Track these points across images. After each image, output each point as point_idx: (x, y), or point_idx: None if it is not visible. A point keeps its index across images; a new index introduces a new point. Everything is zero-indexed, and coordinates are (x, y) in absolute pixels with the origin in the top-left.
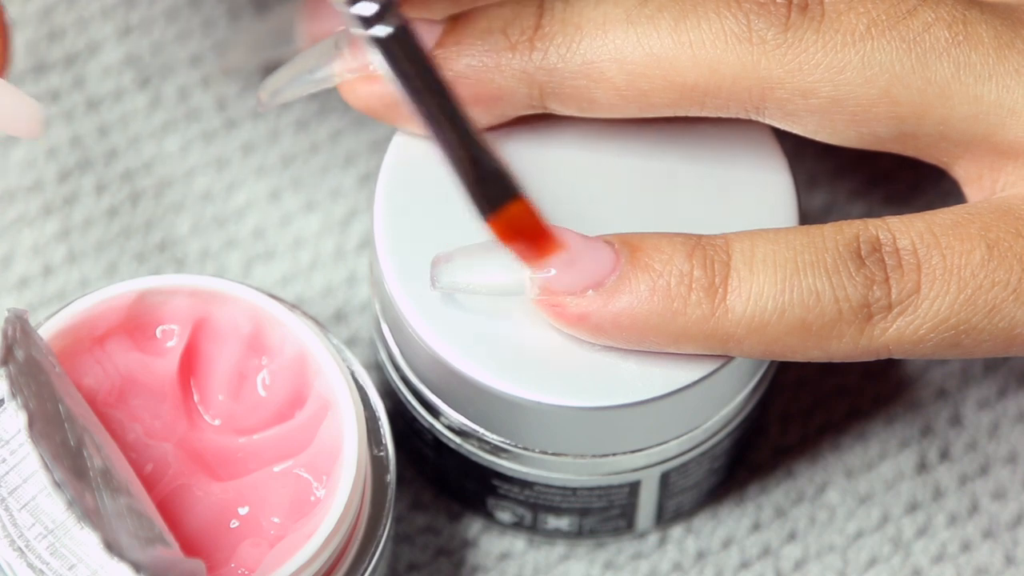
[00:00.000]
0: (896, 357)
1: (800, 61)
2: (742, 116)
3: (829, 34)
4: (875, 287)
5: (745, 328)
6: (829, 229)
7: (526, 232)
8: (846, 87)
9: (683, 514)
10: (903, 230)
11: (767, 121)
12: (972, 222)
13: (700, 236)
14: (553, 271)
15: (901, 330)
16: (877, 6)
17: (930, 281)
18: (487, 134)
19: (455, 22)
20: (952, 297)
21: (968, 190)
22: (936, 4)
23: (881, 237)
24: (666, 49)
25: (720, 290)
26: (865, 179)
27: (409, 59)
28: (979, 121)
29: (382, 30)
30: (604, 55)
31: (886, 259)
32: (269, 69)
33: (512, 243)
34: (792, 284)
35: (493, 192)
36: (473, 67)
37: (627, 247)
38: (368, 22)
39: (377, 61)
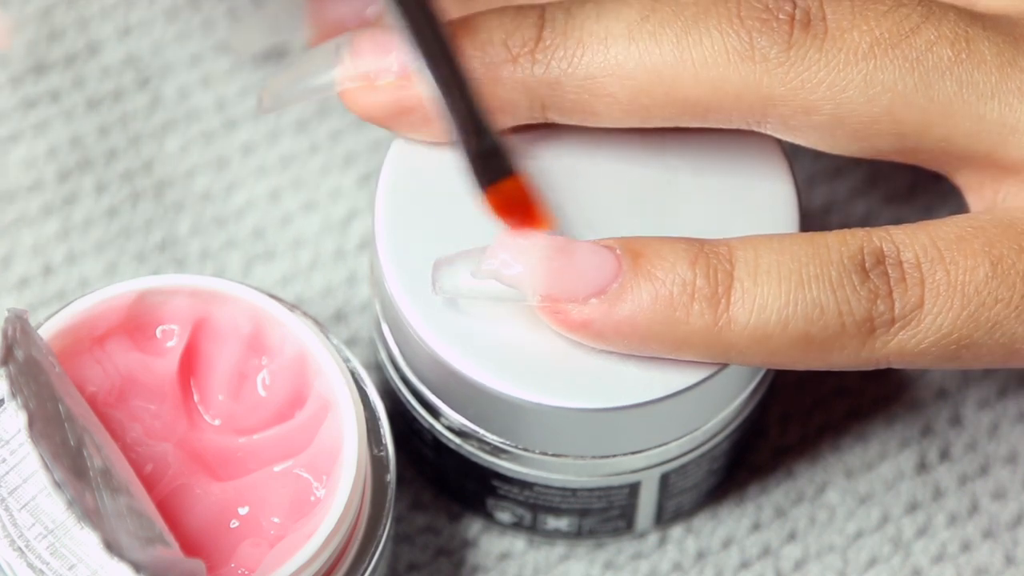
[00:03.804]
0: (895, 367)
1: (803, 79)
2: (743, 127)
3: (832, 52)
4: (879, 301)
5: (748, 339)
6: (833, 239)
7: (518, 208)
8: (848, 105)
9: (683, 514)
10: (907, 243)
11: (768, 133)
12: (976, 236)
13: (703, 242)
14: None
15: (903, 343)
16: (880, 24)
17: (933, 296)
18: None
19: (455, 30)
20: (955, 313)
21: (969, 198)
22: (939, 22)
23: (885, 249)
24: (668, 65)
25: (723, 300)
26: (865, 179)
27: (423, 23)
28: (981, 139)
29: None
30: (606, 70)
31: (890, 272)
32: (274, 54)
33: (504, 217)
34: (796, 297)
35: (492, 166)
36: (474, 79)
37: (629, 253)
38: None
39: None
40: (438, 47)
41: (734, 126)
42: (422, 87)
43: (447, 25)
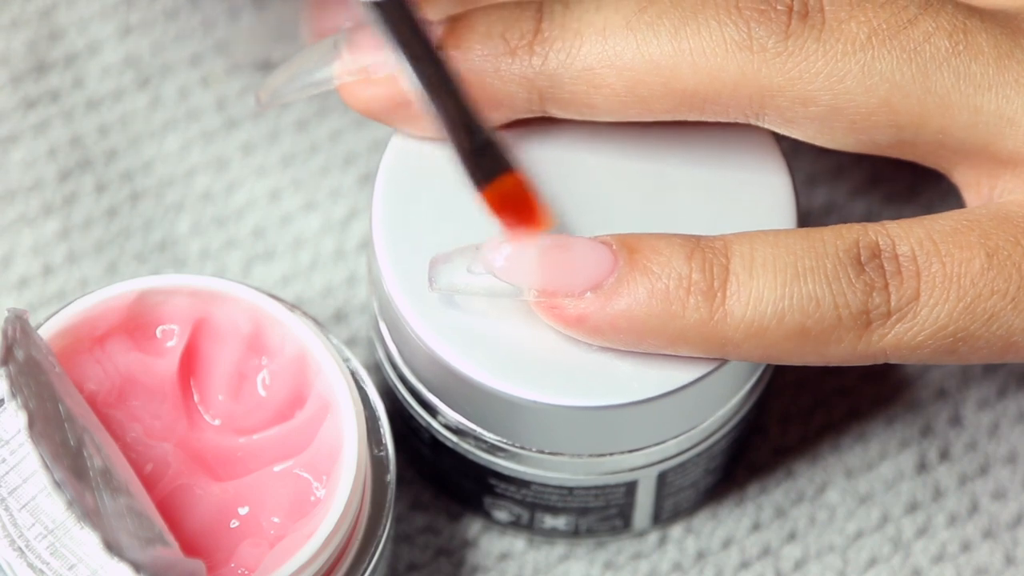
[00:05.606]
0: (892, 362)
1: (800, 70)
2: (741, 121)
3: (830, 43)
4: (874, 294)
5: (743, 333)
6: (829, 234)
7: (516, 205)
8: (846, 96)
9: (680, 513)
10: (903, 236)
11: (766, 126)
12: (972, 229)
13: (699, 238)
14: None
15: (899, 336)
16: (878, 15)
17: (929, 288)
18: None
19: (454, 25)
20: (951, 305)
21: (966, 195)
22: (937, 13)
23: (881, 243)
24: (666, 56)
25: (719, 294)
26: (865, 179)
27: (406, 27)
28: (978, 131)
29: None
30: (604, 61)
31: (885, 265)
32: (272, 64)
33: (502, 215)
34: (792, 290)
35: (488, 164)
36: (473, 72)
37: (625, 248)
38: None
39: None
40: (421, 48)
41: (732, 119)
42: (412, 88)
43: (429, 25)
